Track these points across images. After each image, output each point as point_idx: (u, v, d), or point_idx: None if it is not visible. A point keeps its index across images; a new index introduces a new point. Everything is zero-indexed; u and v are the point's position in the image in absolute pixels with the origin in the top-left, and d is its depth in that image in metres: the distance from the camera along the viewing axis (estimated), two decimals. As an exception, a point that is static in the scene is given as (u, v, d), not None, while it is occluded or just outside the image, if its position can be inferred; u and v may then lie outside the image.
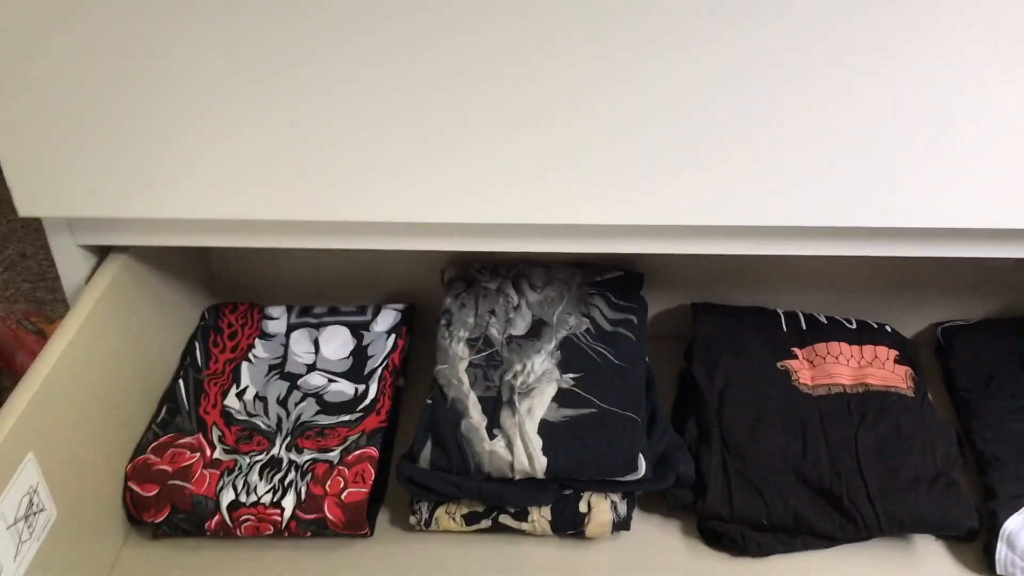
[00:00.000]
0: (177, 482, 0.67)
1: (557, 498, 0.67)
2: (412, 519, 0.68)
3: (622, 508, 0.67)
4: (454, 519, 0.68)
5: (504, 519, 0.67)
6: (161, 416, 0.72)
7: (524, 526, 0.67)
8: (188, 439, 0.70)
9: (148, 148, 0.60)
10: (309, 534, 0.68)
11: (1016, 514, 0.65)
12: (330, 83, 0.57)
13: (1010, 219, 0.60)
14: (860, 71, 0.55)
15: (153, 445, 0.70)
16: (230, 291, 0.87)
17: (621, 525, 0.67)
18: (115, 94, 0.57)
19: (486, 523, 0.68)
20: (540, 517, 0.67)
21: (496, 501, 0.67)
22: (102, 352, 0.66)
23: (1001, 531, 0.64)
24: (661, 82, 0.56)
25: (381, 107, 0.57)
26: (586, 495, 0.67)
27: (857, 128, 0.57)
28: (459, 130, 0.58)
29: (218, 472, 0.68)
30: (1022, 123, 0.56)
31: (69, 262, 0.68)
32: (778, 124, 0.57)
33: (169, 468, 0.68)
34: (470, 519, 0.68)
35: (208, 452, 0.70)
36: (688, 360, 0.79)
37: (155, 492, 0.67)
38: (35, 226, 1.24)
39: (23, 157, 0.60)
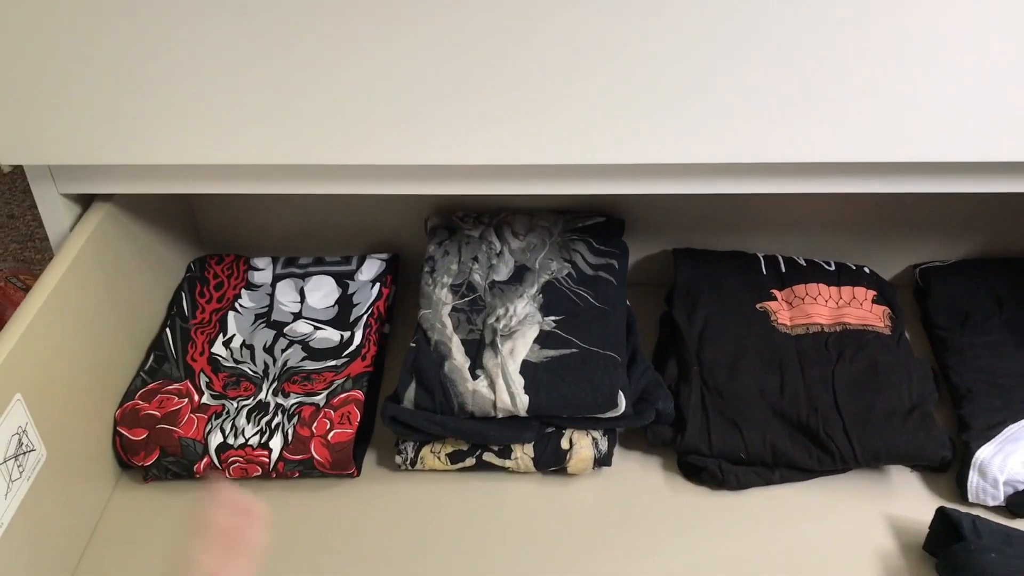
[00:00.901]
0: (166, 426, 0.68)
1: (539, 435, 0.68)
2: (398, 459, 0.69)
3: (603, 444, 0.69)
4: (439, 458, 0.69)
5: (488, 457, 0.69)
6: (149, 363, 0.73)
7: (508, 463, 0.69)
8: (176, 385, 0.71)
9: (128, 94, 0.60)
10: (297, 475, 0.69)
11: (988, 443, 0.67)
12: (312, 26, 0.57)
13: (985, 151, 0.61)
14: (836, 4, 0.55)
15: (141, 391, 0.71)
16: (216, 243, 0.88)
17: (602, 461, 0.69)
18: (95, 40, 0.57)
19: (470, 461, 0.69)
20: (523, 454, 0.68)
21: (479, 439, 0.68)
22: (87, 298, 0.67)
23: (973, 460, 0.66)
24: (636, 21, 0.56)
25: (363, 51, 0.58)
26: (568, 432, 0.68)
27: (832, 62, 0.57)
28: (441, 73, 0.58)
29: (206, 416, 0.69)
30: (994, 56, 0.56)
31: (53, 211, 0.68)
32: (753, 59, 0.57)
33: (158, 413, 0.69)
34: (455, 457, 0.69)
35: (196, 397, 0.71)
36: (669, 304, 0.80)
37: (144, 436, 0.68)
38: (22, 187, 1.24)
39: (3, 105, 0.60)
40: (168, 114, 0.61)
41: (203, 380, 0.73)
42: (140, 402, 0.70)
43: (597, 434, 0.69)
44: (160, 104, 0.60)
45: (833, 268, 0.81)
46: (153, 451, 0.68)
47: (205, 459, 0.67)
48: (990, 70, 0.57)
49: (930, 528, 0.63)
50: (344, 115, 0.61)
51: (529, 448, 0.68)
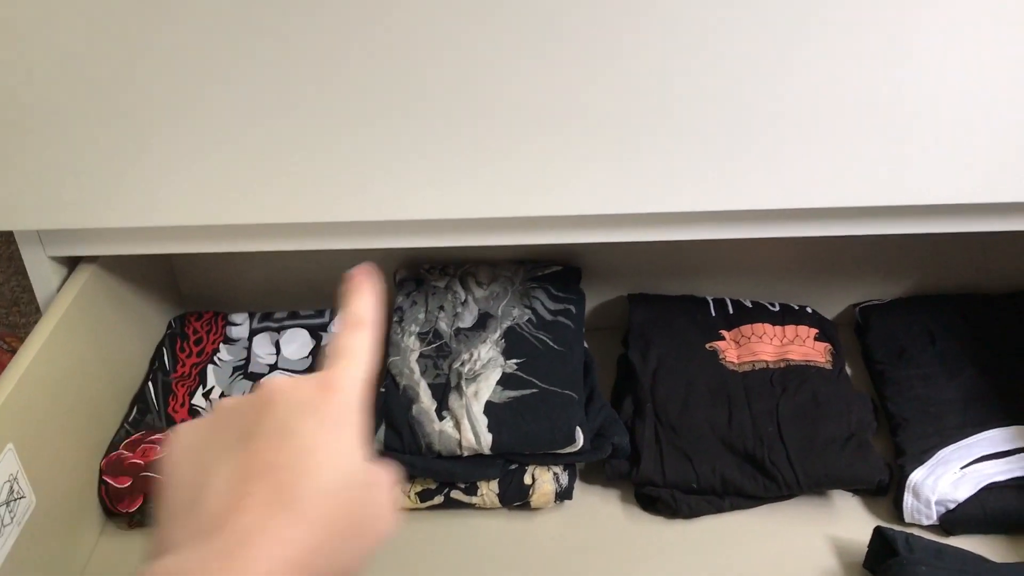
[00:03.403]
0: (149, 473, 0.71)
1: (503, 472, 0.72)
2: (370, 498, 0.73)
3: (564, 479, 0.73)
4: (409, 497, 0.73)
5: (455, 494, 0.73)
6: (132, 415, 0.77)
7: (474, 500, 0.73)
8: (158, 435, 0.75)
9: (116, 161, 0.63)
10: (274, 517, 0.72)
11: (921, 467, 0.71)
12: (288, 94, 0.61)
13: (917, 195, 0.65)
14: (775, 59, 0.59)
15: (126, 441, 0.74)
16: (196, 300, 0.93)
17: (564, 495, 0.73)
18: (80, 112, 0.61)
19: (439, 499, 0.73)
20: (488, 491, 0.73)
21: (447, 477, 0.72)
22: (74, 354, 0.71)
23: (907, 482, 0.71)
24: (587, 82, 0.60)
25: (331, 115, 0.62)
26: (530, 468, 0.73)
27: (769, 114, 0.61)
28: (406, 136, 0.63)
29: (187, 463, 0.73)
30: (924, 102, 0.60)
31: (41, 273, 0.72)
32: (697, 113, 0.61)
33: (141, 461, 0.72)
34: (424, 496, 0.73)
35: (177, 446, 0.74)
36: (625, 346, 0.85)
37: (128, 484, 0.71)
38: (6, 254, 1.28)
39: (-7, 173, 0.65)
40: (153, 179, 0.65)
41: (184, 430, 0.76)
42: (124, 452, 0.73)
43: (558, 469, 0.73)
44: (146, 170, 0.64)
45: (777, 309, 0.87)
46: (137, 498, 0.71)
47: (187, 504, 0.71)
48: (918, 118, 0.61)
49: (869, 547, 0.67)
50: (318, 176, 0.65)
51: (494, 484, 0.73)
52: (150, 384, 0.80)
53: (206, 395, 0.80)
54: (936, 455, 0.72)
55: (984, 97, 0.60)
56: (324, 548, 0.34)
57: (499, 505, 0.73)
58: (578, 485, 0.75)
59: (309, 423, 0.36)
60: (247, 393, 0.38)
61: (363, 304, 0.42)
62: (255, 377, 0.82)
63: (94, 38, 0.59)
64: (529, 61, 0.60)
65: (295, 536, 0.33)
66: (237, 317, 0.88)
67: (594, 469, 0.76)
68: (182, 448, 0.37)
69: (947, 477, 0.70)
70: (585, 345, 0.83)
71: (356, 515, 0.36)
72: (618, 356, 0.87)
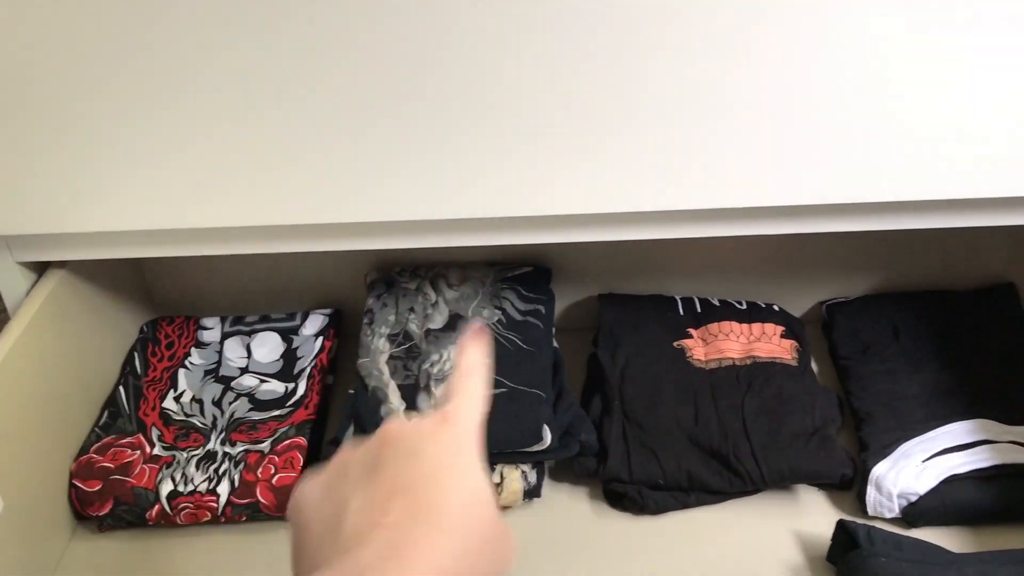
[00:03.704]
0: (119, 477, 0.72)
1: (472, 471, 0.73)
2: (340, 499, 0.73)
3: (532, 477, 0.73)
4: (379, 497, 0.73)
5: (425, 494, 0.73)
6: (103, 420, 0.77)
7: (443, 499, 0.73)
8: (129, 439, 0.75)
9: (80, 166, 0.64)
10: (244, 518, 0.73)
11: (883, 460, 0.72)
12: (246, 93, 0.61)
13: (880, 193, 0.66)
14: (738, 58, 0.59)
15: (96, 446, 0.75)
16: (167, 305, 0.93)
17: (532, 493, 0.74)
18: (45, 116, 0.62)
19: (408, 499, 0.73)
20: (457, 490, 0.73)
21: (416, 477, 0.73)
22: (43, 359, 0.71)
23: (870, 476, 0.72)
24: (555, 80, 0.61)
25: (300, 115, 0.62)
26: (498, 467, 0.73)
27: (735, 112, 0.62)
28: (377, 137, 0.63)
29: (157, 466, 0.73)
30: (888, 99, 0.61)
31: (9, 279, 0.72)
32: (666, 111, 0.62)
33: (111, 465, 0.73)
34: (393, 496, 0.73)
35: (148, 449, 0.75)
36: (595, 345, 0.86)
37: (98, 487, 0.72)
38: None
39: (-41, 180, 0.65)
40: (121, 183, 0.65)
41: (155, 433, 0.77)
42: (94, 455, 0.74)
43: (526, 467, 0.74)
44: (113, 174, 0.65)
45: (745, 307, 0.88)
46: (107, 501, 0.72)
47: (157, 506, 0.71)
48: (882, 115, 0.62)
49: (832, 540, 0.68)
50: (287, 178, 0.65)
51: (463, 483, 0.73)
52: (121, 388, 0.81)
53: (177, 398, 0.81)
54: (898, 449, 0.73)
55: (947, 94, 0.61)
56: (465, 559, 0.36)
57: (468, 504, 0.74)
58: (547, 483, 0.76)
59: (432, 447, 0.40)
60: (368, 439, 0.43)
61: (475, 356, 0.46)
62: (226, 380, 0.83)
63: (56, 41, 0.59)
64: (498, 63, 0.60)
65: (440, 544, 0.35)
66: (208, 321, 0.89)
67: (563, 467, 0.77)
68: (311, 493, 0.40)
69: (909, 470, 0.71)
70: (555, 345, 0.84)
71: (488, 532, 0.38)
72: (588, 355, 0.87)
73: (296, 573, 0.39)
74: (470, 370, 0.46)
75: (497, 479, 0.73)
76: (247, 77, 0.61)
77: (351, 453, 0.42)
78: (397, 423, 0.42)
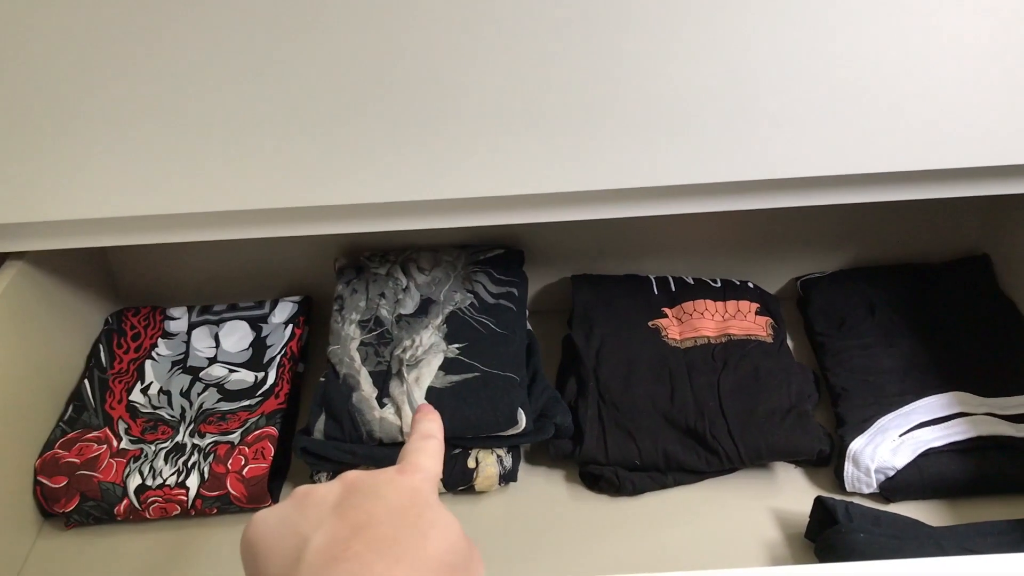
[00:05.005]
0: (85, 472, 0.70)
1: (446, 457, 0.72)
2: (312, 489, 0.72)
3: (508, 461, 0.73)
4: (352, 485, 0.72)
5: (399, 481, 0.72)
6: (68, 414, 0.76)
7: (418, 486, 0.72)
8: (95, 433, 0.74)
9: (35, 153, 0.62)
10: (215, 511, 0.72)
11: (860, 436, 0.72)
12: (210, 77, 0.60)
13: (852, 164, 0.65)
14: (704, 32, 0.59)
15: (61, 441, 0.73)
16: (133, 296, 0.91)
17: (508, 477, 0.73)
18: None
19: (382, 487, 0.72)
20: (432, 476, 0.72)
21: (390, 463, 0.71)
22: (2, 356, 0.69)
23: (848, 452, 0.71)
24: (519, 59, 0.60)
25: (262, 100, 0.61)
26: (473, 452, 0.72)
27: (705, 88, 0.61)
28: (342, 116, 0.62)
29: (124, 460, 0.72)
30: (857, 71, 0.61)
31: (-35, 272, 0.71)
32: (634, 87, 0.61)
33: (77, 460, 0.71)
34: (367, 484, 0.72)
35: (115, 443, 0.73)
36: (570, 326, 0.85)
37: (64, 483, 0.70)
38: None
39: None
40: (78, 170, 0.63)
41: (122, 427, 0.75)
42: (60, 451, 0.72)
43: (501, 452, 0.73)
44: (70, 161, 0.63)
45: (719, 284, 0.87)
46: (74, 497, 0.70)
47: (125, 501, 0.70)
48: (851, 87, 0.61)
49: (810, 517, 0.68)
50: (251, 162, 0.64)
51: (437, 469, 0.72)
52: (86, 382, 0.79)
53: (144, 391, 0.79)
54: (875, 424, 0.73)
55: (917, 64, 0.61)
56: None
57: (444, 490, 0.73)
58: (523, 467, 0.75)
59: (394, 491, 0.42)
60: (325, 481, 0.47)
61: (431, 424, 0.49)
62: (194, 371, 0.81)
63: (7, 27, 0.57)
64: (460, 42, 0.59)
65: (403, 572, 0.37)
66: (176, 311, 0.87)
67: (539, 450, 0.76)
68: (267, 526, 0.41)
69: (886, 445, 0.71)
70: (529, 327, 0.83)
71: (452, 559, 0.40)
72: (563, 337, 0.86)
73: None
74: (426, 435, 0.48)
75: (472, 464, 0.72)
76: (212, 61, 0.59)
77: (310, 491, 0.42)
78: (357, 472, 0.44)
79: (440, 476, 0.47)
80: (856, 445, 0.71)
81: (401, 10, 0.58)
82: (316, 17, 0.58)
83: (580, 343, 0.81)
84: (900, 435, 0.71)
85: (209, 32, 0.58)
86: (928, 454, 0.70)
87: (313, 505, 0.41)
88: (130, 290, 0.91)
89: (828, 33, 0.59)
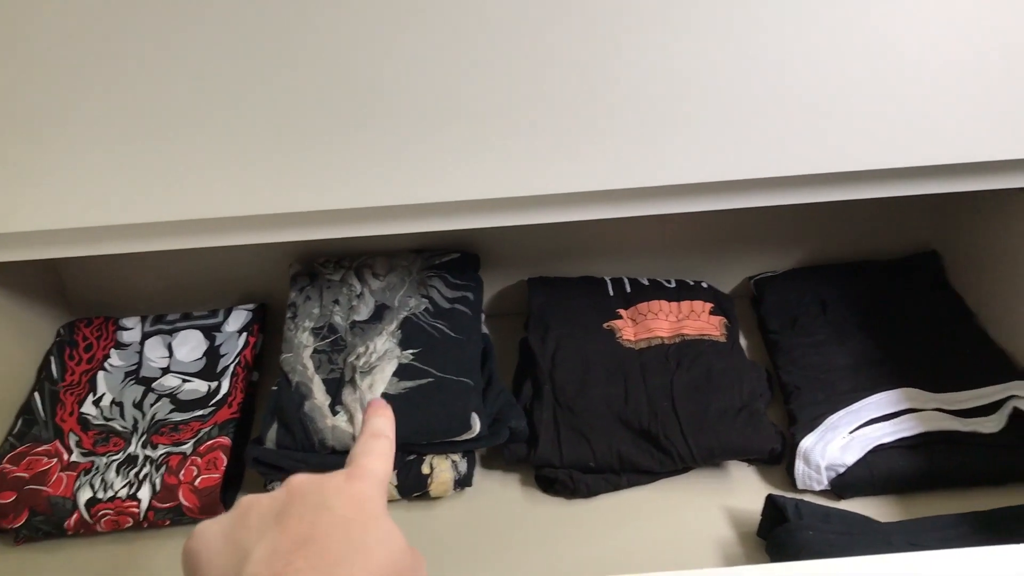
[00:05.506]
0: (34, 486, 0.69)
1: (401, 463, 0.72)
2: (266, 498, 0.72)
3: (462, 466, 0.73)
4: (306, 494, 0.72)
5: (353, 489, 0.72)
6: (17, 428, 0.75)
7: (372, 493, 0.72)
8: (45, 446, 0.73)
9: None
10: (168, 523, 0.71)
11: (811, 433, 0.73)
12: (158, 85, 0.59)
13: (802, 166, 0.66)
14: (654, 37, 0.59)
15: (10, 455, 0.72)
16: (85, 307, 0.90)
17: (463, 482, 0.73)
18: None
19: (337, 494, 0.72)
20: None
21: (343, 472, 0.71)
22: (-53, 369, 0.68)
23: (798, 449, 0.72)
24: (470, 62, 0.59)
25: (212, 108, 0.60)
26: (428, 458, 0.72)
27: (654, 90, 0.61)
28: (295, 124, 0.61)
29: (75, 474, 0.71)
30: (802, 72, 0.61)
31: (-90, 286, 0.70)
32: (587, 90, 0.61)
33: (26, 474, 0.70)
34: (321, 492, 0.72)
35: (65, 456, 0.73)
36: (527, 329, 0.85)
37: (13, 498, 0.69)
38: None
39: None
40: (27, 180, 0.62)
41: (72, 439, 0.74)
42: (8, 465, 0.71)
43: (456, 457, 0.73)
44: (18, 170, 0.62)
45: (674, 285, 0.87)
46: (23, 512, 0.69)
47: (75, 515, 0.69)
48: (797, 88, 0.62)
49: (762, 515, 0.68)
50: (202, 171, 0.63)
51: (392, 476, 0.72)
52: (36, 395, 0.78)
53: (96, 402, 0.78)
54: (826, 421, 0.74)
55: (866, 66, 0.61)
56: None
57: (398, 497, 0.73)
58: (478, 471, 0.75)
59: (339, 501, 0.41)
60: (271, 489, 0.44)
61: (381, 421, 0.49)
62: (147, 382, 0.80)
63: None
64: (411, 46, 0.59)
65: None
66: (128, 321, 0.86)
67: (494, 454, 0.76)
68: (208, 539, 0.40)
69: (836, 442, 0.71)
70: (485, 331, 0.83)
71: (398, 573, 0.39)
72: (520, 340, 0.87)
73: None
74: (376, 433, 0.47)
75: (427, 470, 0.72)
76: (159, 69, 0.58)
77: (254, 501, 0.42)
78: (304, 476, 0.43)
79: (390, 478, 0.47)
80: (807, 443, 0.72)
81: (346, 16, 0.58)
82: (262, 24, 0.58)
83: (536, 346, 0.81)
84: (850, 432, 0.72)
85: (157, 45, 0.58)
86: (878, 450, 0.71)
87: (256, 516, 0.41)
88: (82, 301, 0.90)
89: (776, 36, 0.60)
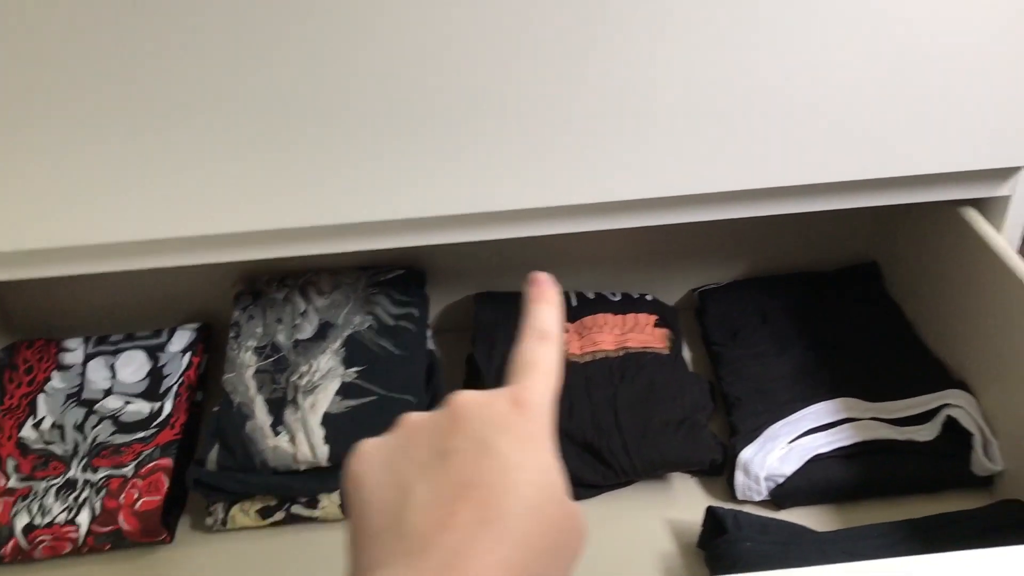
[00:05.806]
0: (-31, 514, 0.69)
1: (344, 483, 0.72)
2: (208, 520, 0.72)
3: (406, 484, 0.72)
4: (248, 515, 0.72)
5: (296, 509, 0.72)
6: (-47, 454, 0.74)
7: (316, 513, 0.72)
8: (-20, 473, 0.72)
9: None
10: (109, 547, 0.70)
11: (751, 444, 0.74)
12: (103, 105, 0.59)
13: (744, 181, 0.68)
14: (607, 53, 0.60)
15: (-55, 482, 0.71)
16: (29, 328, 0.89)
17: (406, 500, 0.73)
18: None
19: (280, 515, 0.72)
20: (330, 503, 0.72)
21: (286, 492, 0.71)
22: None
23: (738, 460, 0.73)
24: (416, 79, 0.60)
25: (153, 127, 0.60)
26: (371, 476, 0.72)
27: (597, 108, 0.62)
28: (233, 142, 0.61)
29: (12, 499, 0.70)
30: (750, 88, 0.62)
31: None
32: (532, 109, 0.62)
33: (-39, 502, 0.69)
34: (264, 513, 0.72)
35: (2, 482, 0.72)
36: (473, 345, 0.86)
37: (-52, 526, 0.68)
38: None
39: None
40: None
41: (10, 464, 0.73)
42: (-57, 493, 0.70)
43: (400, 475, 0.73)
44: None
45: (619, 298, 0.88)
46: (-41, 540, 0.68)
47: (12, 542, 0.68)
48: (742, 105, 0.63)
49: (702, 526, 0.69)
50: (143, 191, 0.63)
51: (335, 496, 0.72)
52: (-26, 420, 0.77)
53: (36, 425, 0.77)
54: (765, 432, 0.74)
55: (804, 81, 0.62)
56: (532, 566, 0.34)
57: (342, 516, 0.73)
58: (423, 489, 0.75)
59: (505, 440, 0.37)
60: (434, 409, 0.39)
61: (548, 316, 0.43)
62: (89, 404, 0.80)
63: None
64: (359, 62, 0.59)
65: (504, 554, 0.33)
66: (71, 343, 0.85)
67: (439, 471, 0.76)
68: (371, 465, 0.37)
69: (775, 452, 0.72)
70: (431, 348, 0.83)
71: (557, 531, 0.36)
72: (467, 355, 0.87)
73: (352, 557, 0.36)
74: (543, 335, 0.42)
75: (370, 489, 0.72)
76: (104, 87, 0.58)
77: (418, 425, 0.38)
78: (468, 397, 0.38)
79: (555, 395, 0.41)
80: (746, 454, 0.73)
81: (287, 35, 0.58)
82: (201, 46, 0.57)
83: (482, 362, 0.82)
84: (789, 442, 0.73)
85: (103, 66, 0.57)
86: (816, 460, 0.72)
87: (419, 446, 0.37)
88: (24, 323, 0.89)
89: (713, 58, 0.61)
